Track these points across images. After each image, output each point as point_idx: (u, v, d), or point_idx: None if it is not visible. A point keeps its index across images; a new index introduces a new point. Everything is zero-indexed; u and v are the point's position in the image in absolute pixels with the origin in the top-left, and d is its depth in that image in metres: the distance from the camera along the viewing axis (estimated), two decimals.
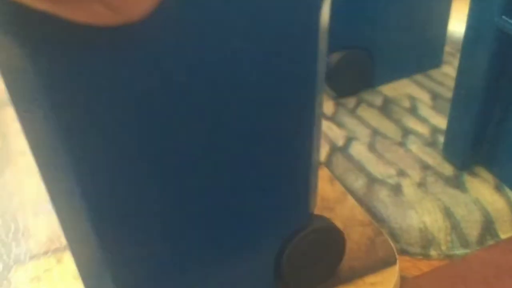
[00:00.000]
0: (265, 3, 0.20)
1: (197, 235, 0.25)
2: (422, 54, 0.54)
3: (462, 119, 0.38)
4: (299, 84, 0.23)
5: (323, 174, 0.40)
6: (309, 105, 0.24)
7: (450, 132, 0.40)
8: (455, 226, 0.36)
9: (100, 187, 0.21)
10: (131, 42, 0.18)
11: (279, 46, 0.21)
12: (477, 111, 0.37)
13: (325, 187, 0.39)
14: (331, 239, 0.30)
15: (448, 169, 0.39)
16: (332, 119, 0.47)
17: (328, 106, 0.49)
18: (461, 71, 0.38)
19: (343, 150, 0.43)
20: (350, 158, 0.42)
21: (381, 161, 0.41)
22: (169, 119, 0.21)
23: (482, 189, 0.38)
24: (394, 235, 0.36)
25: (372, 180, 0.39)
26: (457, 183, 0.38)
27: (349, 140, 0.44)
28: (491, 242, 0.36)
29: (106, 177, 0.21)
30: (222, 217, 0.25)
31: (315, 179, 0.28)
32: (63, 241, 0.37)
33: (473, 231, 0.36)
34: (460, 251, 0.35)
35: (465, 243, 0.36)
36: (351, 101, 0.49)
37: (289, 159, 0.25)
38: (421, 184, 0.38)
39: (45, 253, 0.36)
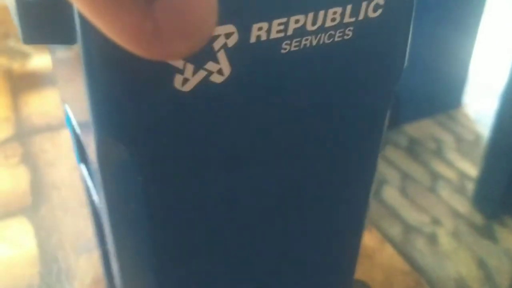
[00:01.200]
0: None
1: None
2: (444, 94, 0.56)
3: (494, 172, 0.40)
4: (371, 134, 0.24)
5: None
6: (374, 162, 0.25)
7: (481, 183, 0.41)
8: (488, 277, 0.37)
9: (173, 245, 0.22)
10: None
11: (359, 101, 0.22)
12: (511, 165, 0.39)
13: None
14: None
15: (478, 218, 0.41)
16: None
17: None
18: (498, 126, 0.40)
19: (376, 194, 0.44)
20: (383, 203, 0.43)
21: (414, 208, 0.42)
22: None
23: None
24: (431, 284, 0.37)
25: (407, 227, 0.40)
26: (488, 234, 0.40)
27: (380, 183, 0.45)
28: None
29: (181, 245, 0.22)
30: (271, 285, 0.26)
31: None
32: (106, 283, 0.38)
33: (504, 281, 0.37)
34: None
35: None
36: None
37: (345, 220, 0.26)
38: (455, 234, 0.40)
39: None
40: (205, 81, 0.18)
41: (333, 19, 0.20)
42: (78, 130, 0.23)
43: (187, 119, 0.19)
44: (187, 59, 0.17)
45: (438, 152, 0.49)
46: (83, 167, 0.27)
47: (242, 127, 0.20)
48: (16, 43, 0.69)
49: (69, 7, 0.16)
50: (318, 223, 0.26)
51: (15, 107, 0.62)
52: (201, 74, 0.18)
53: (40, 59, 0.71)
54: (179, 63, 0.17)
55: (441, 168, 0.47)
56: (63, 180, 0.49)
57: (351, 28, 0.20)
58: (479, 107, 0.57)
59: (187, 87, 0.18)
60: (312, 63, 0.20)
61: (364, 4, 0.20)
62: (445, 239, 0.39)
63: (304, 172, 0.23)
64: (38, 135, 0.56)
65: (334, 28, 0.20)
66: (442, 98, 0.56)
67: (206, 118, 0.19)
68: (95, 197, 0.25)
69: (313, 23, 0.19)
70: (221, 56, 0.18)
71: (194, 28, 0.12)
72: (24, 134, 0.56)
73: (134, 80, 0.17)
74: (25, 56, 0.70)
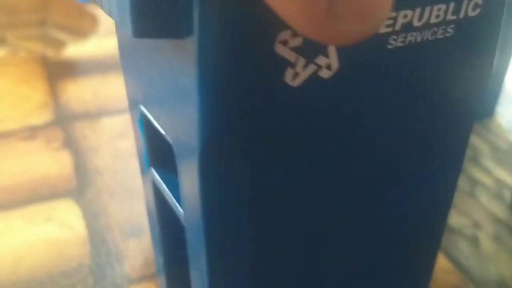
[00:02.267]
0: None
1: None
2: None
3: None
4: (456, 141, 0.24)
5: None
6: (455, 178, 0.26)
7: None
8: None
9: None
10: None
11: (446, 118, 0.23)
12: None
13: None
14: None
15: None
16: None
17: None
18: None
19: None
20: None
21: (455, 211, 0.43)
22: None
23: None
24: (475, 283, 0.38)
25: (450, 230, 0.41)
26: None
27: None
28: None
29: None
30: None
31: None
32: None
33: None
34: None
35: None
36: None
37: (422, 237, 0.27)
38: (496, 237, 0.41)
39: (142, 278, 0.38)
40: (314, 76, 0.18)
41: (437, 16, 0.20)
42: (162, 131, 0.23)
43: (294, 114, 0.19)
44: (300, 53, 0.17)
45: (475, 160, 0.51)
46: (154, 173, 0.26)
47: (345, 122, 0.20)
48: (52, 30, 0.70)
49: None
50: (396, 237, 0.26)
51: (53, 93, 0.63)
52: (311, 68, 0.18)
53: (75, 48, 0.72)
54: (292, 57, 0.17)
55: (479, 174, 0.48)
56: (106, 166, 0.50)
57: (452, 26, 0.21)
58: (511, 117, 0.58)
59: (297, 82, 0.18)
60: (416, 59, 0.21)
61: (465, 2, 0.20)
62: (486, 242, 0.40)
63: (390, 172, 0.23)
64: (78, 122, 0.57)
65: (437, 25, 0.20)
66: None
67: (312, 113, 0.19)
68: (175, 205, 0.24)
69: (420, 19, 0.20)
70: (332, 50, 0.18)
71: (369, 12, 0.12)
72: (64, 119, 0.57)
73: (248, 74, 0.17)
74: (60, 44, 0.71)
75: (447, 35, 0.21)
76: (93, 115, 0.59)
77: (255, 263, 0.23)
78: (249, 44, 0.16)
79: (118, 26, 0.25)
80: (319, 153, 0.21)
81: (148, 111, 0.24)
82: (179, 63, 0.18)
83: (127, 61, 0.24)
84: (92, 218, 0.43)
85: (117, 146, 0.53)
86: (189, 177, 0.20)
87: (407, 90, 0.21)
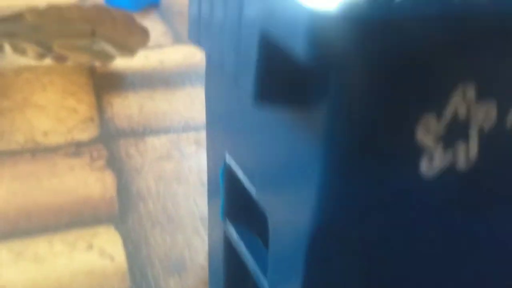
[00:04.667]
0: None
1: None
2: None
3: None
4: None
5: None
6: None
7: None
8: None
9: None
10: None
11: None
12: None
13: None
14: None
15: None
16: None
17: None
18: None
19: None
20: None
21: None
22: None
23: None
24: None
25: None
26: None
27: None
28: None
29: None
30: None
31: None
32: None
33: None
34: None
35: None
36: None
37: None
38: None
39: None
40: (449, 167, 0.16)
41: None
42: (255, 195, 0.20)
43: (422, 211, 0.16)
44: (439, 139, 0.15)
45: None
46: (231, 226, 0.24)
47: (473, 224, 0.18)
48: (100, 43, 0.70)
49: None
50: None
51: (99, 107, 0.62)
52: (448, 158, 0.16)
53: (122, 61, 0.72)
54: (431, 142, 0.15)
55: None
56: (149, 191, 0.48)
57: None
58: None
59: (431, 172, 0.16)
60: None
61: None
62: None
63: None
64: (122, 139, 0.56)
65: None
66: None
67: (440, 211, 0.17)
68: (255, 270, 0.22)
69: None
70: (473, 139, 0.16)
71: None
72: (108, 136, 0.56)
73: (380, 161, 0.15)
74: (108, 57, 0.70)
75: None
76: (137, 133, 0.58)
77: None
78: (387, 126, 0.14)
79: (209, 62, 0.22)
80: (439, 260, 0.18)
81: (236, 162, 0.21)
82: (296, 128, 0.15)
83: (216, 103, 0.22)
84: (132, 248, 0.42)
85: (161, 168, 0.52)
86: (287, 254, 0.18)
87: None
